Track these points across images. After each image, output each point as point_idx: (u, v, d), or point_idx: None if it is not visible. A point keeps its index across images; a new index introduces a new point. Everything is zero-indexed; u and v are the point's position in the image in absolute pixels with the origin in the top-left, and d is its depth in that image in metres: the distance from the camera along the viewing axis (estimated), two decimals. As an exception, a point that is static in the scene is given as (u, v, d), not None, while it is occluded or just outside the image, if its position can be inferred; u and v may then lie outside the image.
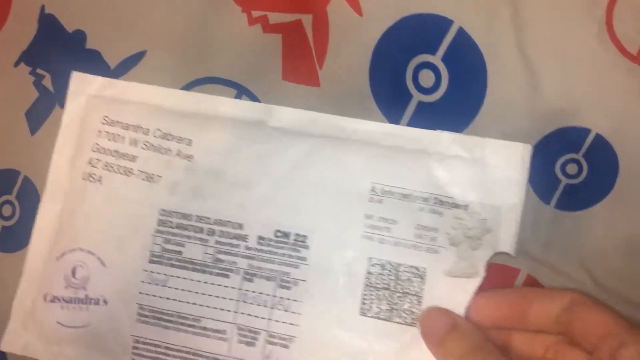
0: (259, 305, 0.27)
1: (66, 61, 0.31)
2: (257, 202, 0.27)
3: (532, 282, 0.28)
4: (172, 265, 0.27)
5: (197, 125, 0.28)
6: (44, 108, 0.32)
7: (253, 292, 0.27)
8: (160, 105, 0.29)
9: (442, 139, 0.27)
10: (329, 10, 0.30)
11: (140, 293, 0.27)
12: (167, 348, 0.27)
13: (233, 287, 0.27)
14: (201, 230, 0.27)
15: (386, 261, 0.26)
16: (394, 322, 0.26)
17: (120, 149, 0.28)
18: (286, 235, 0.27)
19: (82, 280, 0.28)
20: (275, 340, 0.27)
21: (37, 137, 0.32)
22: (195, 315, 0.27)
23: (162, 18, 0.31)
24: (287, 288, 0.27)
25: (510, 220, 0.26)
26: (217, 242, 0.27)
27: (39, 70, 0.32)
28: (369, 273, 0.26)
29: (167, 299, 0.27)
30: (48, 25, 0.32)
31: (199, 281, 0.27)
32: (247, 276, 0.27)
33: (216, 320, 0.27)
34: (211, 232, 0.27)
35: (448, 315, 0.25)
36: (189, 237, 0.27)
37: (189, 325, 0.27)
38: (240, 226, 0.27)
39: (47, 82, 0.32)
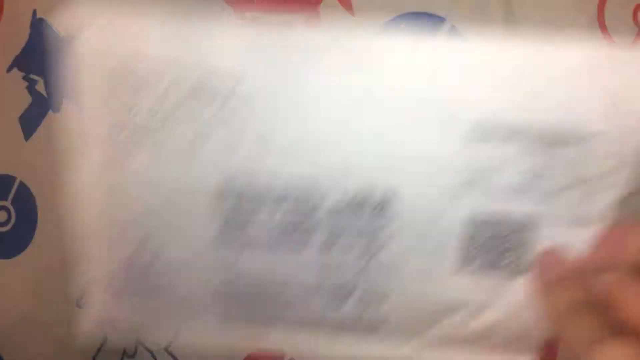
0: (346, 270, 0.24)
1: (59, 66, 0.31)
2: (328, 161, 0.22)
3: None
4: (241, 247, 0.24)
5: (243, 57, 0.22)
6: (38, 113, 0.32)
7: (337, 259, 0.24)
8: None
9: (558, 48, 0.21)
10: (321, 9, 0.30)
11: (217, 281, 0.25)
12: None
13: (314, 256, 0.24)
14: (265, 203, 0.23)
15: (490, 212, 0.22)
16: (494, 275, 0.23)
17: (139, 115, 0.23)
18: (369, 196, 0.23)
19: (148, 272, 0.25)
20: (369, 298, 0.24)
21: (32, 142, 0.32)
22: (280, 284, 0.25)
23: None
24: (377, 250, 0.23)
25: None
26: (287, 214, 0.23)
27: (32, 76, 0.32)
28: (469, 227, 0.23)
29: (246, 281, 0.24)
30: (40, 30, 0.32)
31: (275, 259, 0.24)
32: (327, 244, 0.24)
33: (305, 286, 0.24)
34: (280, 200, 0.23)
35: (562, 263, 0.23)
36: (256, 211, 0.23)
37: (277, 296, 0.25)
38: (312, 193, 0.23)
39: (40, 87, 0.32)
